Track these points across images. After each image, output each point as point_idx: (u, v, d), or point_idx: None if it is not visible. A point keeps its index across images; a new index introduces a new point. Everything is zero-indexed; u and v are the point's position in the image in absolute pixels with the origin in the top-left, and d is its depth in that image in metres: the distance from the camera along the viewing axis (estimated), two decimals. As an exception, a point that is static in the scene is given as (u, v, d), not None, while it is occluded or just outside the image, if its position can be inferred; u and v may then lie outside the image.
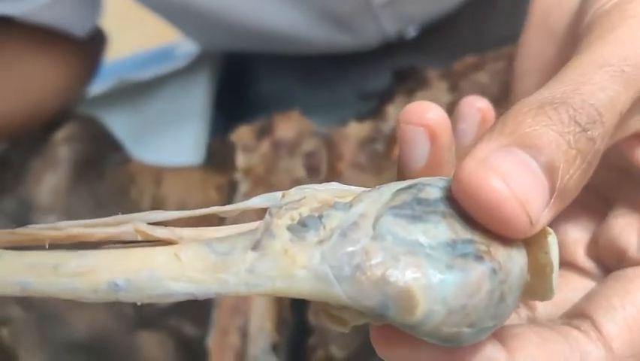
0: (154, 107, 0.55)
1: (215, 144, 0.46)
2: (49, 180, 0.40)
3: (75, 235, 0.14)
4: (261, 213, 0.15)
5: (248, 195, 0.37)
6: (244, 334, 0.34)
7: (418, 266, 0.14)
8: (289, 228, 0.15)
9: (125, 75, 0.56)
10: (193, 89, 0.54)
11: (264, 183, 0.38)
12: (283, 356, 0.36)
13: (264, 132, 0.41)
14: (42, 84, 0.41)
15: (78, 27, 0.42)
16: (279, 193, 0.16)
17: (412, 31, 0.53)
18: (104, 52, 0.47)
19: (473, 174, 0.15)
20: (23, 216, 0.40)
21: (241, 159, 0.40)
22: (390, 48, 0.53)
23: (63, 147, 0.41)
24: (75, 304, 0.40)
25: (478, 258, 0.15)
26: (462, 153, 0.18)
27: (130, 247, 0.14)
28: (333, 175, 0.37)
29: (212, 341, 0.35)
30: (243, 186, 0.38)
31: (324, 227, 0.15)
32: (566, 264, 0.21)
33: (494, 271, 0.15)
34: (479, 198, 0.15)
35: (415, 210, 0.15)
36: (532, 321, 0.20)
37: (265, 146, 0.40)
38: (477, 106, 0.21)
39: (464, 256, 0.15)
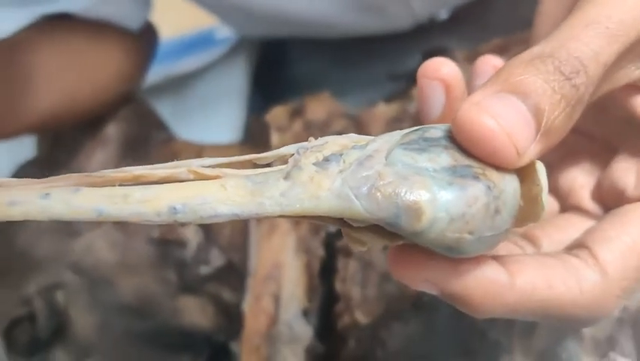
0: (196, 93, 0.58)
1: (252, 123, 0.49)
2: (100, 156, 0.44)
3: (139, 175, 0.17)
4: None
5: (281, 172, 0.40)
6: (277, 300, 0.37)
7: (424, 183, 0.17)
8: (314, 163, 0.17)
9: (170, 68, 0.59)
10: (232, 73, 0.57)
11: (296, 160, 0.40)
12: (312, 321, 0.38)
13: (296, 113, 0.43)
14: (105, 72, 0.44)
15: (131, 21, 0.45)
16: (306, 142, 0.19)
17: (443, 14, 0.54)
18: (157, 44, 0.50)
19: (468, 113, 0.17)
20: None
21: (275, 138, 0.42)
22: (421, 30, 0.54)
23: (112, 126, 0.44)
24: (123, 271, 0.43)
25: (475, 178, 0.17)
26: None
27: (185, 182, 0.17)
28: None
29: (247, 306, 0.38)
30: (277, 164, 0.40)
31: (344, 161, 0.17)
32: (573, 207, 0.24)
33: (489, 188, 0.17)
34: (473, 133, 0.17)
35: (421, 145, 0.18)
36: None
37: (297, 126, 0.42)
38: (492, 63, 0.23)
39: (463, 176, 0.17)
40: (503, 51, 0.44)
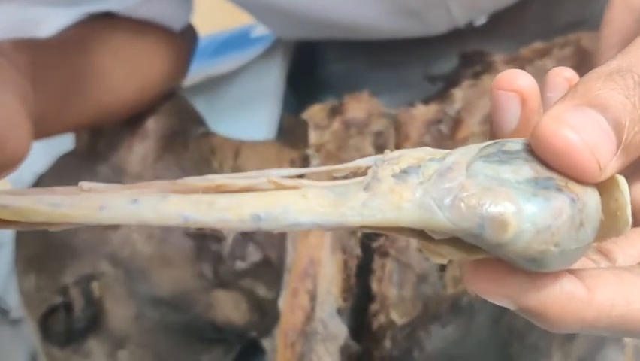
0: (231, 93, 0.58)
1: (288, 121, 0.49)
2: (139, 149, 0.44)
3: (222, 183, 0.18)
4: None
5: (320, 170, 0.40)
6: (313, 297, 0.37)
7: (508, 195, 0.17)
8: (392, 175, 0.17)
9: (206, 67, 0.60)
10: (268, 73, 0.57)
11: (335, 158, 0.41)
12: (346, 320, 0.39)
13: (335, 112, 0.43)
14: (150, 71, 0.45)
15: (174, 21, 0.46)
16: (381, 155, 0.19)
17: (482, 19, 0.54)
18: (196, 44, 0.50)
19: (548, 126, 0.17)
20: (116, 181, 0.43)
21: (313, 136, 0.42)
22: (458, 32, 0.54)
23: (152, 120, 0.45)
24: (159, 263, 0.44)
25: (559, 190, 0.17)
26: None
27: (266, 191, 0.17)
28: (399, 154, 0.39)
29: (283, 302, 0.38)
30: (315, 161, 0.41)
31: (423, 173, 0.17)
32: None
33: (573, 200, 0.17)
34: (554, 146, 0.17)
35: (501, 157, 0.18)
36: None
37: (336, 124, 0.42)
38: (564, 76, 0.23)
39: (546, 188, 0.17)
40: (544, 55, 0.44)
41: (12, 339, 0.58)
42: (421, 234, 0.18)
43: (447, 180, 0.17)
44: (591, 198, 0.18)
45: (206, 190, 0.17)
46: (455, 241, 0.18)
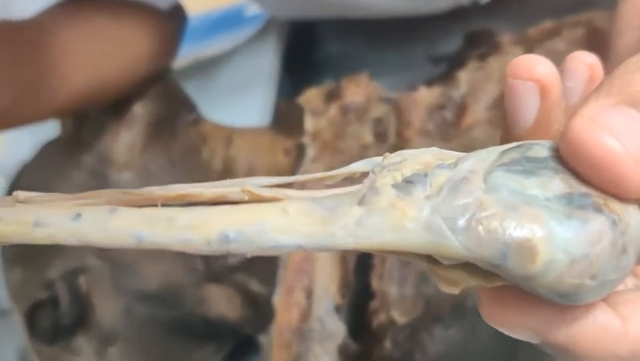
0: (224, 75, 0.56)
1: (283, 106, 0.46)
2: (125, 137, 0.42)
3: (185, 194, 0.15)
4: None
5: (316, 160, 0.38)
6: (309, 294, 0.36)
7: (537, 216, 0.14)
8: (394, 186, 0.14)
9: (197, 48, 0.57)
10: (262, 54, 0.55)
11: (332, 148, 0.38)
12: (345, 317, 0.37)
13: (332, 96, 0.41)
14: (133, 53, 0.42)
15: (159, 0, 0.43)
16: (379, 158, 0.16)
17: (487, -4, 0.52)
18: (185, 24, 0.48)
19: (583, 131, 0.15)
20: (101, 171, 0.41)
21: (309, 123, 0.40)
22: (463, 11, 0.51)
23: (138, 106, 0.42)
24: (148, 256, 0.42)
25: (597, 209, 0.14)
26: (568, 112, 0.18)
27: (239, 204, 0.14)
28: (401, 142, 0.37)
29: (278, 299, 0.36)
30: (311, 151, 0.38)
31: (431, 184, 0.15)
32: None
33: (614, 222, 0.14)
34: (591, 156, 0.14)
35: (525, 166, 0.15)
36: None
37: (333, 110, 0.40)
38: (585, 62, 0.20)
39: (582, 207, 0.14)
40: (555, 35, 0.41)
41: (2, 330, 0.57)
42: (428, 257, 0.15)
43: (461, 194, 0.14)
44: (633, 218, 0.15)
45: (166, 202, 0.15)
46: (469, 264, 0.15)
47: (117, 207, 0.14)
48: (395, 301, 0.35)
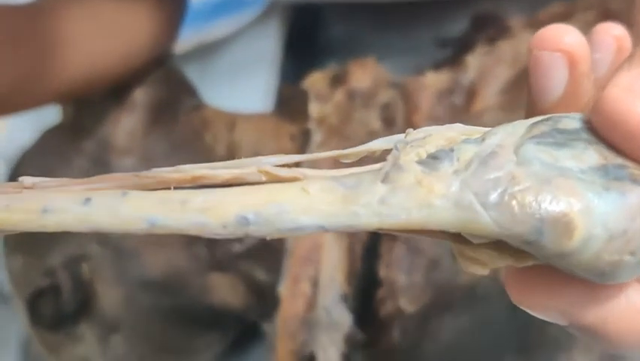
0: (225, 59, 0.55)
1: (286, 90, 0.46)
2: (126, 122, 0.41)
3: (200, 176, 0.14)
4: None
5: (322, 146, 0.37)
6: (315, 283, 0.35)
7: (573, 189, 0.13)
8: (419, 162, 0.14)
9: (198, 31, 0.56)
10: (264, 38, 0.54)
11: (338, 133, 0.37)
12: (352, 306, 0.36)
13: (338, 80, 0.40)
14: (134, 37, 0.42)
15: None
16: (401, 135, 0.15)
17: (494, -25, 0.51)
18: (186, 8, 0.47)
19: (619, 101, 0.14)
20: (102, 157, 0.41)
21: (314, 108, 0.39)
22: (470, -8, 0.50)
23: (139, 91, 0.41)
24: (151, 244, 0.41)
25: (634, 181, 0.14)
26: (597, 84, 0.17)
27: (255, 185, 0.14)
28: (409, 128, 0.36)
29: (283, 288, 0.36)
30: (317, 136, 0.38)
31: (458, 159, 0.14)
32: None
33: None
34: (627, 126, 0.14)
35: (557, 138, 0.14)
36: None
37: (339, 95, 0.39)
38: (613, 34, 0.19)
39: (619, 179, 0.14)
40: (566, 18, 0.40)
41: (4, 315, 0.57)
42: (454, 236, 0.14)
43: (491, 168, 0.13)
44: None
45: (180, 184, 0.14)
46: (498, 243, 0.14)
47: (128, 190, 0.13)
48: (403, 290, 0.34)
